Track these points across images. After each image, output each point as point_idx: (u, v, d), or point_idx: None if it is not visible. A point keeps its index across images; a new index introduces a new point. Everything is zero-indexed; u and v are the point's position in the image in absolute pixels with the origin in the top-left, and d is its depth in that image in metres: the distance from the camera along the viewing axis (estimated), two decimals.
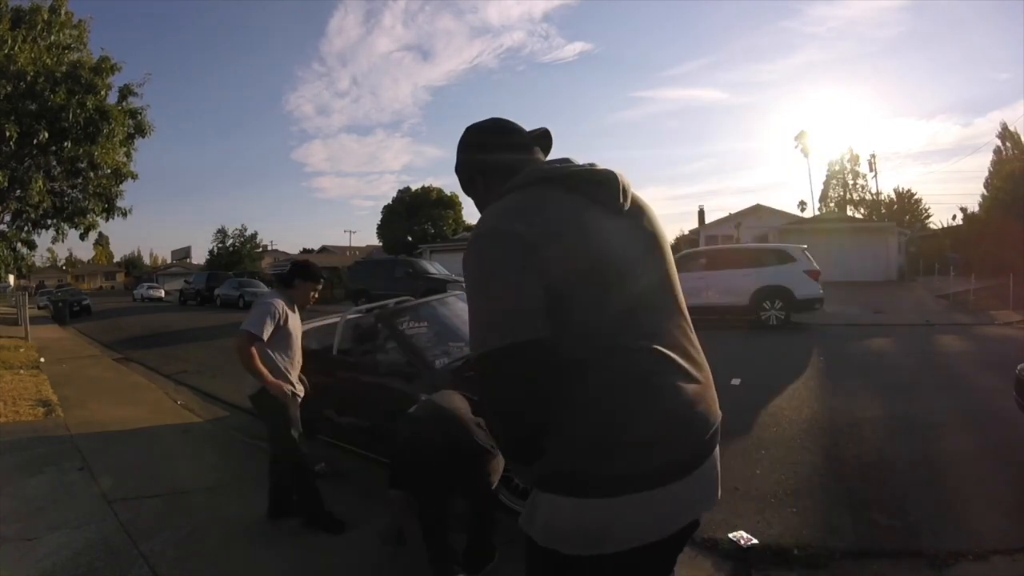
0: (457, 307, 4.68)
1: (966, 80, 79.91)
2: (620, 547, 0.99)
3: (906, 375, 6.52)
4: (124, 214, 10.36)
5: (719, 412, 1.15)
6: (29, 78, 8.18)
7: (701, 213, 35.43)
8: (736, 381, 5.92)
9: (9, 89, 8.02)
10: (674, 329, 1.12)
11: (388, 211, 38.67)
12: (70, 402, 6.04)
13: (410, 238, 36.58)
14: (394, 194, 40.37)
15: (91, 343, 12.70)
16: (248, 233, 46.54)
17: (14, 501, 3.38)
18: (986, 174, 30.41)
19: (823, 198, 46.43)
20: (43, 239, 10.71)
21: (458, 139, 1.26)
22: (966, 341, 8.99)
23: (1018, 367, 3.73)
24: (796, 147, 44.55)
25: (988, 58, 72.96)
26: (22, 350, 10.22)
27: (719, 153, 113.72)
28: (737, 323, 10.78)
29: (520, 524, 1.09)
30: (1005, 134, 30.43)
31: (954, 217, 36.12)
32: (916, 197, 42.79)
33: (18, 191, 9.08)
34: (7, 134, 7.97)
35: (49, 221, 9.88)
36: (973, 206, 31.93)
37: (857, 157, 45.81)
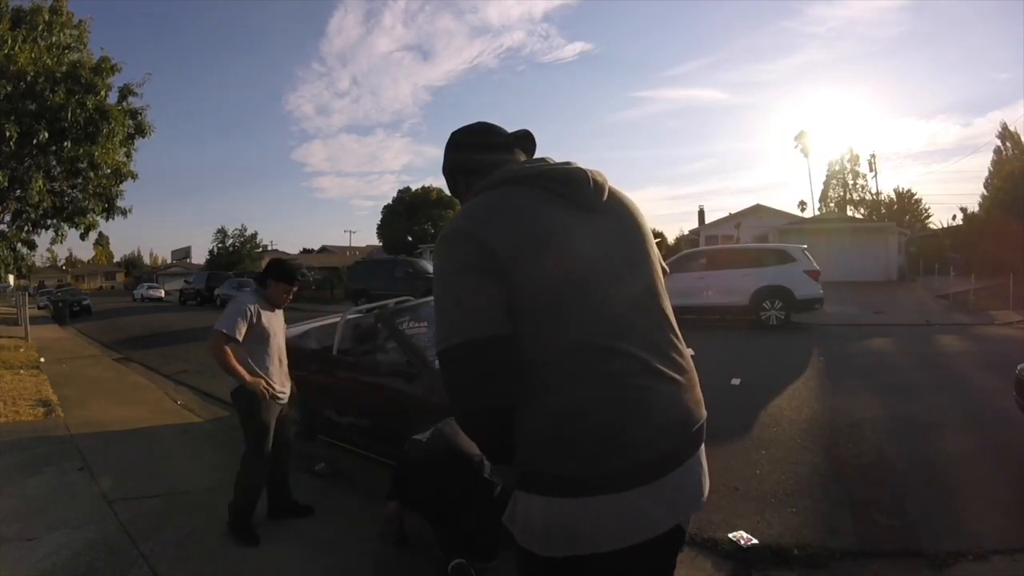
0: None
1: (966, 80, 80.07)
2: (593, 549, 0.98)
3: (906, 375, 6.52)
4: (124, 214, 10.36)
5: (702, 414, 1.12)
6: (29, 78, 8.17)
7: (701, 213, 35.47)
8: (736, 381, 5.92)
9: (9, 89, 8.01)
10: (650, 328, 1.09)
11: (388, 211, 38.69)
12: (70, 402, 6.04)
13: (410, 238, 36.60)
14: (394, 194, 40.45)
15: (91, 343, 12.70)
16: (248, 233, 46.67)
17: (14, 501, 3.38)
18: (986, 174, 30.47)
19: (823, 198, 46.51)
20: (43, 239, 10.72)
21: None
22: (966, 341, 8.99)
23: (1018, 367, 3.73)
24: (796, 147, 44.62)
25: (988, 58, 73.06)
26: (22, 350, 10.22)
27: (719, 153, 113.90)
28: (737, 323, 10.79)
29: (504, 521, 1.09)
30: (1005, 134, 30.47)
31: (954, 217, 36.18)
32: (916, 197, 42.86)
33: (18, 191, 9.07)
34: (7, 134, 7.97)
35: (49, 221, 9.86)
36: (973, 206, 31.98)
37: (857, 157, 45.89)
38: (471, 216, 1.06)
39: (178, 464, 4.07)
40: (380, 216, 39.18)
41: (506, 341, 0.98)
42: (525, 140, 1.25)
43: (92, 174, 9.48)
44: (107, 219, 10.24)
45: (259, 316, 2.93)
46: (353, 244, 55.06)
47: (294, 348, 4.54)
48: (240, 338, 2.85)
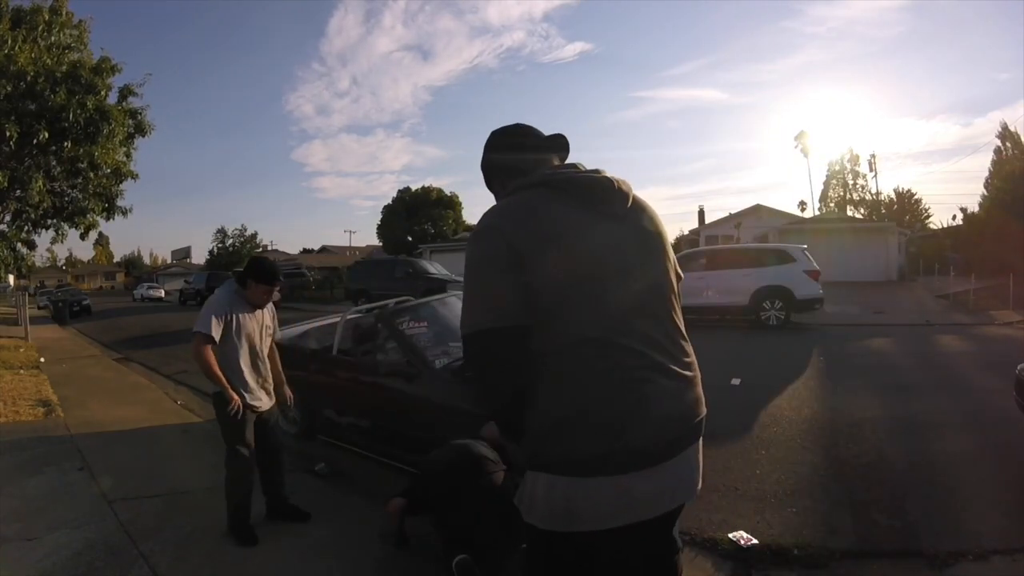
0: (457, 307, 4.68)
1: (966, 80, 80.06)
2: (588, 527, 1.09)
3: (906, 375, 6.52)
4: (124, 214, 10.35)
5: (702, 410, 1.23)
6: (29, 78, 8.17)
7: (701, 213, 35.49)
8: (736, 381, 5.92)
9: (9, 89, 8.00)
10: (658, 327, 1.19)
11: (388, 211, 38.65)
12: (70, 402, 6.04)
13: (410, 238, 36.58)
14: (394, 194, 40.36)
15: (91, 343, 12.70)
16: (248, 233, 46.70)
17: (14, 501, 3.38)
18: (986, 174, 30.36)
19: (823, 198, 46.48)
20: (43, 239, 10.72)
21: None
22: (966, 341, 8.98)
23: (1018, 367, 3.73)
24: (796, 147, 44.58)
25: (988, 58, 72.99)
26: (22, 350, 10.22)
27: (719, 153, 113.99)
28: (737, 323, 10.78)
29: (515, 501, 1.20)
30: (1005, 134, 30.35)
31: (954, 217, 36.16)
32: (916, 197, 42.85)
33: (18, 191, 9.06)
34: (7, 134, 7.97)
35: (49, 221, 9.86)
36: (973, 206, 31.88)
37: (857, 157, 45.86)
38: (501, 214, 1.17)
39: (178, 464, 4.06)
40: (380, 216, 39.19)
41: (523, 330, 1.09)
42: (559, 143, 1.34)
43: (92, 174, 9.48)
44: (107, 219, 10.24)
45: (233, 316, 2.83)
46: (353, 244, 55.12)
47: (294, 348, 4.57)
48: (216, 336, 2.77)
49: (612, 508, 1.09)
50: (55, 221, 9.86)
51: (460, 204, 38.80)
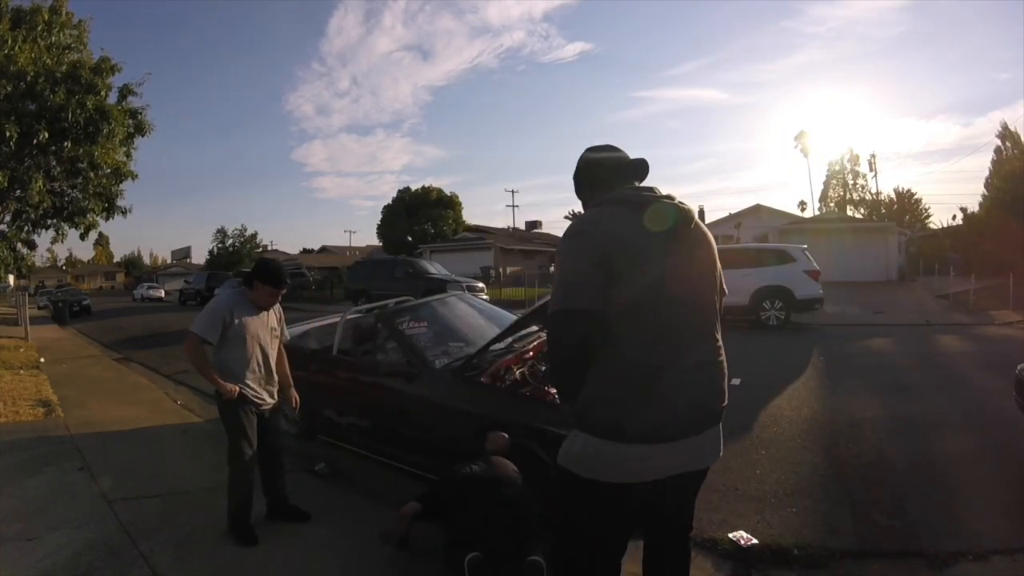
0: (457, 307, 4.68)
1: (966, 80, 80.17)
2: (609, 479, 1.41)
3: (906, 375, 6.52)
4: (124, 214, 10.34)
5: (724, 400, 1.52)
6: (29, 78, 8.16)
7: (701, 213, 35.20)
8: (736, 381, 5.91)
9: (9, 89, 8.00)
10: (694, 334, 1.47)
11: (388, 211, 38.65)
12: (70, 402, 6.03)
13: (410, 238, 36.58)
14: (394, 194, 40.39)
15: (91, 343, 12.69)
16: (248, 233, 46.70)
17: (14, 501, 3.37)
18: (986, 174, 30.34)
19: (823, 198, 46.49)
20: (43, 239, 10.70)
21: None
22: (966, 341, 8.98)
23: (1018, 367, 3.73)
24: (796, 147, 44.78)
25: (988, 58, 73.13)
26: (22, 350, 10.21)
27: (719, 153, 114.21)
28: (737, 323, 10.76)
29: (558, 460, 1.51)
30: (1005, 134, 30.33)
31: (954, 217, 36.12)
32: (916, 197, 42.87)
33: (18, 191, 9.05)
34: (7, 134, 7.95)
35: (49, 221, 9.84)
36: (973, 206, 31.86)
37: (857, 157, 45.88)
38: (591, 221, 1.45)
39: (178, 464, 4.07)
40: (380, 216, 39.21)
41: (598, 314, 1.35)
42: (640, 166, 1.59)
43: (92, 174, 9.47)
44: (107, 219, 10.22)
45: (236, 318, 2.80)
46: (353, 244, 55.22)
47: (294, 348, 4.55)
48: (215, 340, 2.77)
49: (631, 469, 1.40)
50: (55, 221, 9.84)
51: (460, 204, 38.82)
